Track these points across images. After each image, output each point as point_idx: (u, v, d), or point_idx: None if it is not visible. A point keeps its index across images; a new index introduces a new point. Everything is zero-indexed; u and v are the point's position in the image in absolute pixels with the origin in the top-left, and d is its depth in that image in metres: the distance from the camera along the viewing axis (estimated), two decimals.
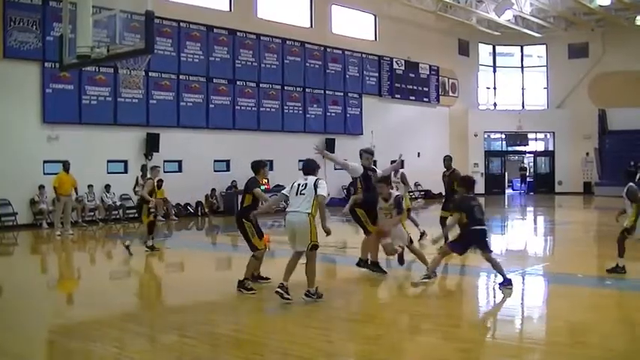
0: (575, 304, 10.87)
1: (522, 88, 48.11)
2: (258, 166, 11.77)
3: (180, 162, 28.89)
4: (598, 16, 41.55)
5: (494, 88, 47.79)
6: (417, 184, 37.68)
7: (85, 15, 12.63)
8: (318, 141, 13.50)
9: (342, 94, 35.95)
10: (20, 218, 24.09)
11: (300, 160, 33.41)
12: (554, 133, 46.20)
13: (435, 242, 12.38)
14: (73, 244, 20.74)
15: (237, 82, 30.91)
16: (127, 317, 10.36)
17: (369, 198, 12.77)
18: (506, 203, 40.44)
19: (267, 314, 10.34)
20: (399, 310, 10.16)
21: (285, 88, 33.06)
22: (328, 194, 10.48)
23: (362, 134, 36.59)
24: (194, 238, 23.46)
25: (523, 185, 49.35)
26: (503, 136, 47.09)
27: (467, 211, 11.36)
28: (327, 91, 35.09)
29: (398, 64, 39.35)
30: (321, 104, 34.79)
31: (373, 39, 38.54)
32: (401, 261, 13.16)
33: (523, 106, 47.51)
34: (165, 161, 28.06)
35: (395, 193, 12.34)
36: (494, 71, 47.93)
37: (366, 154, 13.56)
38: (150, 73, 26.33)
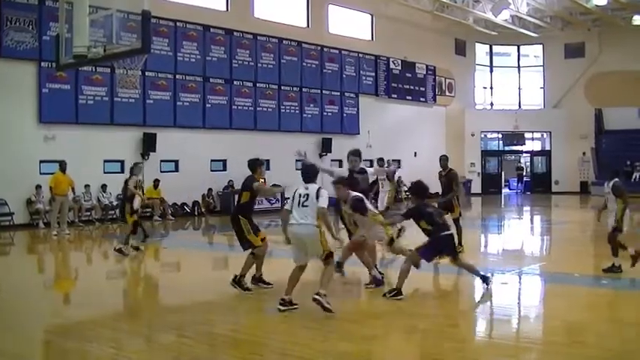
0: (572, 304, 10.88)
1: (519, 88, 48.10)
2: (255, 165, 11.73)
3: (176, 162, 28.87)
4: (594, 16, 41.57)
5: (491, 88, 47.81)
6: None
7: (82, 14, 12.63)
8: (301, 148, 12.88)
9: (338, 93, 35.93)
10: (17, 218, 24.05)
11: (297, 160, 33.62)
12: (550, 132, 46.23)
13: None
14: (70, 244, 20.73)
15: (234, 82, 30.90)
16: (124, 317, 10.37)
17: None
18: (502, 203, 40.49)
19: (265, 314, 10.33)
20: (397, 310, 10.15)
21: (282, 87, 33.04)
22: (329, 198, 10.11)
23: (359, 134, 36.59)
24: (191, 238, 23.45)
25: (520, 185, 49.38)
26: (500, 135, 47.11)
27: (426, 218, 10.99)
28: (323, 91, 35.08)
29: (395, 63, 39.35)
30: (317, 104, 34.78)
31: (370, 39, 38.54)
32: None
33: (520, 106, 47.52)
34: (161, 161, 28.08)
35: (353, 194, 11.93)
36: (491, 71, 47.95)
37: (352, 156, 13.31)
38: (146, 73, 26.27)
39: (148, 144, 27.25)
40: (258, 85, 31.86)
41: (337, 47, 35.81)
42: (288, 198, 10.24)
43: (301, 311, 10.01)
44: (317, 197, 9.84)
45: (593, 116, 44.22)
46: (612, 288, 12.05)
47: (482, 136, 46.75)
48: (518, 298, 11.90)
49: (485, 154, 46.68)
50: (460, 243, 16.04)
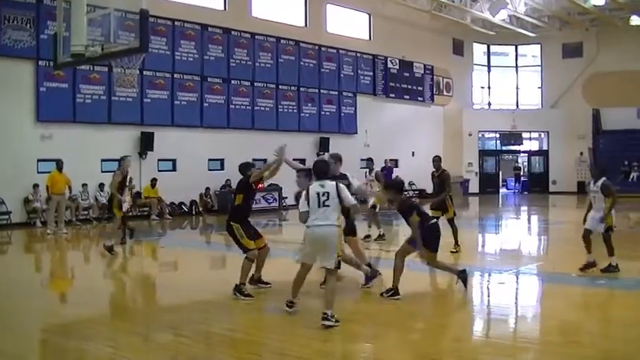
0: (569, 304, 10.90)
1: (517, 88, 48.11)
2: (246, 169, 11.65)
3: (174, 161, 28.87)
4: (592, 16, 41.58)
5: (489, 88, 47.80)
6: (411, 184, 37.66)
7: (80, 13, 12.63)
8: (280, 147, 12.49)
9: (336, 93, 35.93)
10: (14, 217, 24.05)
11: (295, 159, 33.51)
12: (548, 132, 46.23)
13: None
14: (68, 243, 20.72)
15: (232, 81, 30.89)
16: (122, 316, 10.37)
17: None
18: (500, 203, 40.52)
19: (262, 313, 10.34)
20: (394, 309, 10.16)
21: (280, 87, 33.04)
22: None
23: (356, 133, 36.60)
24: (188, 237, 23.44)
25: (517, 185, 49.36)
26: (498, 135, 47.10)
27: (416, 209, 11.03)
28: (321, 90, 35.07)
29: (392, 63, 39.35)
30: (315, 103, 34.77)
31: (368, 38, 38.53)
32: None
33: (517, 106, 47.52)
34: (159, 160, 28.08)
35: None
36: (489, 71, 47.95)
37: (330, 159, 12.45)
38: (144, 72, 26.22)
39: (146, 143, 27.24)
40: (255, 84, 31.85)
41: (335, 46, 35.81)
42: (302, 199, 9.57)
43: (299, 311, 10.01)
44: (338, 195, 9.36)
45: (590, 116, 44.22)
46: (609, 288, 12.06)
47: (480, 135, 46.76)
48: (516, 298, 11.92)
49: (483, 153, 46.70)
50: (457, 242, 16.06)
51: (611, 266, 12.75)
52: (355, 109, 36.95)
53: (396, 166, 33.36)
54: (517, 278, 13.35)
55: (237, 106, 30.90)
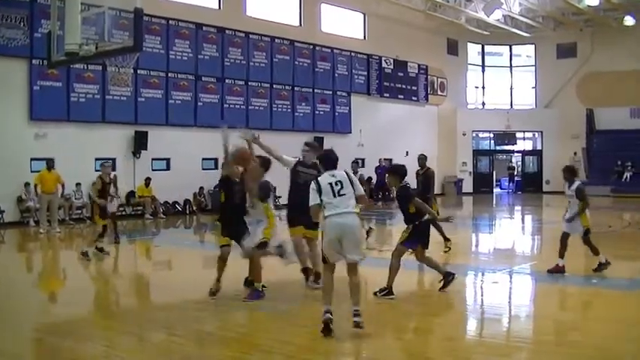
0: (563, 303, 10.93)
1: (511, 88, 48.17)
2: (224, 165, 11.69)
3: (168, 160, 28.84)
4: (586, 17, 41.66)
5: (483, 88, 47.89)
6: (405, 183, 37.65)
7: (74, 12, 12.60)
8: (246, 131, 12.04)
9: (330, 92, 35.92)
10: (7, 216, 23.99)
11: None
12: (542, 132, 46.32)
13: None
14: (61, 242, 20.70)
15: (226, 80, 30.86)
16: (116, 315, 10.37)
17: (291, 198, 11.95)
18: (494, 202, 40.57)
19: (255, 313, 10.32)
20: (387, 308, 10.16)
21: (274, 86, 33.02)
22: None
23: (350, 133, 36.61)
24: (182, 236, 23.43)
25: (511, 184, 49.42)
26: (492, 135, 47.20)
27: (413, 200, 11.01)
28: (315, 90, 35.06)
29: (387, 62, 39.36)
30: (309, 103, 34.76)
31: (362, 38, 38.53)
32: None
33: (511, 106, 47.59)
34: (153, 159, 28.04)
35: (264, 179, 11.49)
36: (483, 70, 48.02)
37: (304, 146, 12.28)
38: (138, 71, 26.19)
39: (140, 142, 27.20)
40: (250, 83, 31.84)
41: (329, 46, 35.81)
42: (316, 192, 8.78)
43: (290, 309, 10.02)
44: (351, 183, 8.83)
45: (584, 116, 44.32)
46: (602, 287, 12.09)
47: (474, 135, 46.84)
48: (509, 298, 11.93)
49: (477, 153, 46.78)
50: (446, 238, 16.04)
51: (601, 264, 12.78)
52: (349, 108, 36.95)
53: (389, 166, 33.31)
54: (511, 278, 13.36)
55: (231, 106, 30.86)
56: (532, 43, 46.69)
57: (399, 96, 40.23)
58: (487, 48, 47.79)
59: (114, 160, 26.41)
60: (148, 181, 27.19)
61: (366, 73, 38.11)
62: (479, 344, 8.69)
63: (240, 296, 10.82)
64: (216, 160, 30.11)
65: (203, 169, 29.90)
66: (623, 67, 41.51)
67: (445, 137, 43.89)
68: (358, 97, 37.49)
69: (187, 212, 29.10)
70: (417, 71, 41.64)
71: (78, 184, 25.25)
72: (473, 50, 47.35)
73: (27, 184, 23.89)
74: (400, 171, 11.34)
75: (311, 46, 34.79)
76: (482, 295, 12.06)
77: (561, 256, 12.83)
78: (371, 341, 8.53)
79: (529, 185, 46.34)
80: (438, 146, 42.98)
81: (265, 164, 11.58)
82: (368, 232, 18.17)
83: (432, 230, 12.22)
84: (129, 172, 27.11)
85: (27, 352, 8.66)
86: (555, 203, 37.06)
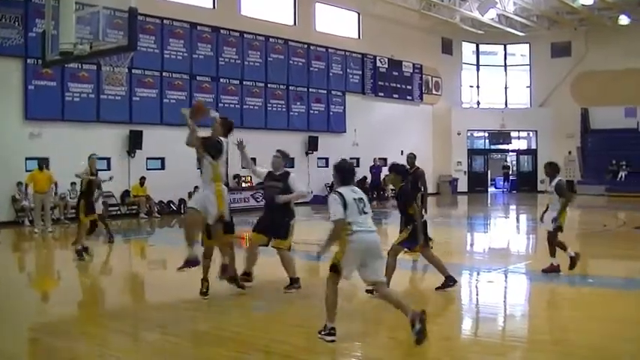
0: (558, 302, 10.93)
1: (505, 87, 48.22)
2: None
3: (163, 159, 28.82)
4: (581, 16, 41.70)
5: (478, 87, 47.90)
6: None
7: (68, 11, 12.57)
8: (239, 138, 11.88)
9: (325, 91, 35.92)
10: (2, 216, 23.97)
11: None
12: (536, 131, 46.36)
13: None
14: (55, 242, 20.66)
15: (221, 80, 30.87)
16: (110, 315, 10.34)
17: (264, 211, 12.01)
18: (489, 202, 40.59)
19: (250, 312, 10.32)
20: (383, 307, 10.13)
21: (269, 85, 33.02)
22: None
23: (345, 132, 36.64)
24: (176, 236, 23.33)
25: (506, 184, 49.44)
26: (486, 134, 47.26)
27: (412, 201, 10.96)
28: (310, 89, 35.06)
29: (381, 62, 39.37)
30: (304, 102, 34.77)
31: (357, 37, 38.53)
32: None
33: (506, 105, 47.62)
34: (148, 158, 28.04)
35: None
36: (478, 70, 48.02)
37: (277, 152, 12.19)
38: (133, 70, 26.20)
39: (134, 141, 27.20)
40: (244, 82, 31.84)
41: (324, 45, 35.81)
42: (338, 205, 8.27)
43: (287, 309, 10.02)
44: (368, 201, 8.63)
45: (579, 115, 44.38)
46: (598, 287, 12.10)
47: (469, 134, 46.87)
48: (504, 297, 11.93)
49: (472, 152, 46.81)
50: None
51: (552, 266, 12.78)
52: (344, 107, 36.95)
53: (385, 165, 33.36)
54: (506, 277, 13.37)
55: (225, 105, 30.82)
56: (526, 43, 46.72)
57: (394, 95, 40.25)
58: (482, 47, 47.83)
59: (108, 159, 26.41)
60: (142, 180, 27.17)
61: (360, 72, 38.12)
62: (474, 343, 8.70)
63: (236, 295, 10.83)
64: None
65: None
66: (618, 66, 41.54)
67: (440, 136, 43.94)
68: (353, 96, 37.49)
69: (182, 211, 29.03)
70: (411, 70, 41.66)
71: (73, 184, 25.13)
72: (467, 49, 47.35)
73: (19, 184, 23.86)
74: (402, 170, 11.24)
75: (306, 46, 34.80)
76: (477, 295, 12.06)
77: (553, 255, 12.83)
78: (366, 340, 8.53)
79: (524, 184, 46.35)
80: (433, 145, 43.03)
81: (227, 124, 11.46)
82: None
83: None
84: (124, 172, 27.11)
85: (22, 351, 8.64)
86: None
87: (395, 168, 11.29)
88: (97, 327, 9.47)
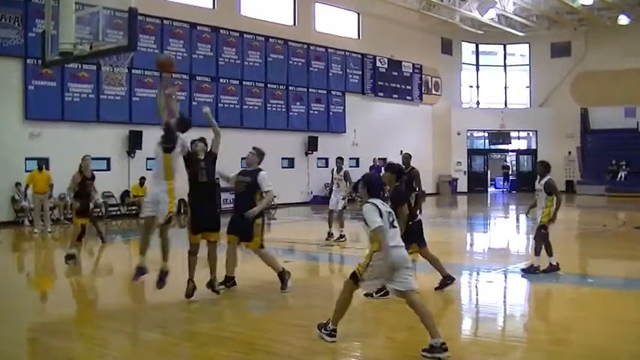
0: (557, 302, 10.93)
1: (505, 87, 48.26)
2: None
3: None
4: (580, 16, 41.73)
5: (477, 87, 47.94)
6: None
7: (68, 11, 12.56)
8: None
9: (325, 92, 35.93)
10: (1, 216, 23.97)
11: (284, 158, 33.66)
12: (536, 131, 46.37)
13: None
14: (55, 242, 20.65)
15: (220, 80, 30.87)
16: (109, 315, 10.32)
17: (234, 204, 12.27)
18: (488, 201, 40.60)
19: (249, 312, 10.32)
20: (382, 307, 10.15)
21: (269, 85, 33.03)
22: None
23: (345, 132, 36.64)
24: (175, 236, 23.34)
25: (505, 183, 49.44)
26: (486, 134, 47.28)
27: (407, 203, 10.82)
28: (310, 89, 35.07)
29: (381, 62, 39.38)
30: (304, 102, 34.77)
31: (356, 37, 38.53)
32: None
33: (506, 105, 47.66)
34: (148, 159, 27.95)
35: None
36: (477, 70, 48.04)
37: (252, 149, 12.47)
38: (133, 71, 26.15)
39: (134, 142, 27.18)
40: (244, 83, 31.84)
41: (324, 45, 35.82)
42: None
43: (286, 309, 10.02)
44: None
45: (578, 115, 44.38)
46: (598, 287, 12.10)
47: (469, 134, 46.89)
48: (504, 297, 11.93)
49: (472, 152, 46.83)
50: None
51: (533, 266, 12.79)
52: (344, 108, 36.96)
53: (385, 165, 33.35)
54: (505, 277, 13.36)
55: (225, 105, 30.86)
56: (526, 43, 46.75)
57: (394, 95, 40.27)
58: (481, 47, 47.85)
59: (108, 159, 26.42)
60: (142, 180, 27.13)
61: (360, 72, 38.13)
62: (474, 343, 8.70)
63: (235, 296, 10.83)
64: None
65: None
66: (618, 67, 41.55)
67: (440, 137, 43.96)
68: (352, 96, 37.50)
69: (181, 211, 28.99)
70: (411, 71, 41.68)
71: None
72: (467, 49, 47.39)
73: (18, 184, 23.87)
74: (397, 170, 11.17)
75: (305, 46, 34.81)
76: (477, 295, 12.06)
77: (550, 254, 12.84)
78: (366, 341, 8.53)
79: (523, 184, 46.23)
80: (433, 146, 43.07)
81: (183, 123, 11.85)
82: (341, 238, 17.96)
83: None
84: (123, 172, 27.13)
85: (22, 351, 8.63)
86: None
87: (391, 167, 11.27)
88: (96, 327, 9.47)
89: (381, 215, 7.91)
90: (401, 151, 14.47)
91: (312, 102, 35.17)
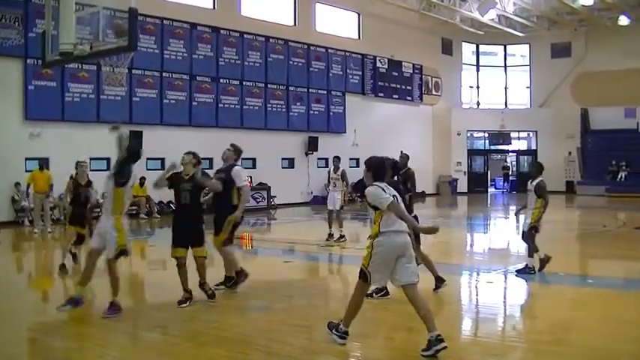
0: (557, 302, 10.92)
1: (505, 87, 48.26)
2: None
3: (163, 160, 28.73)
4: (581, 16, 41.71)
5: (478, 87, 47.93)
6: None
7: (68, 12, 12.56)
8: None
9: (325, 92, 35.93)
10: (1, 216, 23.96)
11: (284, 158, 33.68)
12: (536, 132, 46.38)
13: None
14: (55, 242, 20.64)
15: (221, 80, 30.87)
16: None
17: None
18: (488, 202, 40.59)
19: (249, 312, 10.32)
20: (382, 308, 10.16)
21: (269, 86, 33.02)
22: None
23: (345, 132, 36.65)
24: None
25: (506, 184, 49.41)
26: (486, 134, 47.28)
27: (403, 199, 10.65)
28: (310, 90, 35.07)
29: (381, 62, 39.38)
30: (304, 102, 34.76)
31: (357, 37, 38.53)
32: None
33: (506, 105, 47.67)
34: (148, 159, 27.95)
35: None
36: (478, 70, 48.04)
37: (230, 146, 12.44)
38: (133, 71, 26.18)
39: (134, 142, 27.16)
40: (244, 83, 31.83)
41: (324, 46, 35.82)
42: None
43: (286, 309, 10.01)
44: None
45: (579, 116, 44.36)
46: (598, 287, 12.10)
47: (469, 135, 46.88)
48: (504, 297, 11.93)
49: (472, 153, 46.82)
50: None
51: (527, 267, 12.82)
52: (344, 108, 36.97)
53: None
54: (505, 277, 13.36)
55: (225, 105, 30.87)
56: (526, 43, 46.74)
57: (394, 96, 40.27)
58: (481, 47, 47.84)
59: (108, 159, 26.38)
60: (142, 180, 27.13)
61: (360, 72, 38.13)
62: (474, 344, 8.70)
63: (235, 296, 10.83)
64: (211, 159, 30.09)
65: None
66: (618, 67, 41.56)
67: (440, 137, 43.97)
68: (353, 96, 37.50)
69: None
70: (411, 71, 41.68)
71: None
72: (467, 50, 47.39)
73: (17, 184, 23.87)
74: (393, 166, 11.04)
75: (305, 46, 34.81)
76: (477, 295, 12.06)
77: (536, 251, 13.02)
78: (365, 340, 8.53)
79: (524, 185, 45.17)
80: (433, 146, 43.09)
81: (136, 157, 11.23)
82: (341, 239, 17.94)
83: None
84: None
85: (22, 351, 8.63)
86: (550, 203, 37.20)
87: (392, 164, 11.24)
88: (96, 327, 9.46)
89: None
90: (401, 152, 14.41)
91: (312, 102, 35.17)
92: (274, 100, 33.27)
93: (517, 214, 13.61)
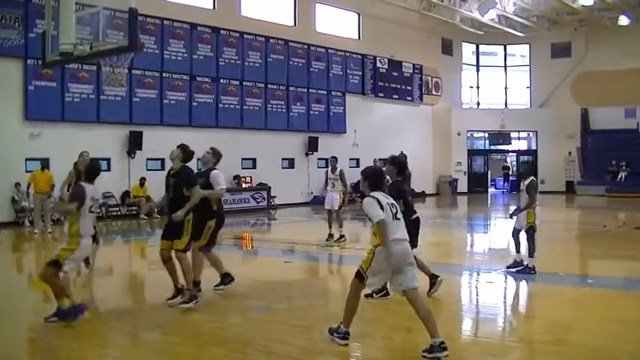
0: (557, 302, 10.92)
1: (505, 87, 48.26)
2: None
3: (162, 160, 28.71)
4: (581, 16, 41.72)
5: (478, 87, 47.93)
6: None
7: (68, 12, 12.58)
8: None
9: (325, 92, 35.92)
10: (1, 216, 23.96)
11: (284, 159, 33.67)
12: (536, 132, 46.37)
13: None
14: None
15: (221, 80, 30.86)
16: (110, 315, 10.33)
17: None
18: (488, 202, 40.57)
19: (250, 312, 10.32)
20: (381, 308, 10.16)
21: (269, 86, 33.02)
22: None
23: (345, 133, 36.64)
24: None
25: (506, 184, 49.37)
26: (486, 134, 47.28)
27: (404, 198, 10.45)
28: (310, 90, 35.06)
29: (381, 62, 39.38)
30: (304, 102, 34.76)
31: (357, 37, 38.52)
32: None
33: (506, 105, 47.67)
34: (148, 159, 28.02)
35: None
36: (478, 70, 48.04)
37: (209, 149, 12.40)
38: (133, 71, 26.18)
39: (134, 142, 27.19)
40: (244, 83, 31.83)
41: (324, 46, 35.81)
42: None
43: (286, 309, 10.01)
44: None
45: (579, 116, 44.36)
46: (597, 287, 12.11)
47: (469, 135, 46.87)
48: (504, 297, 11.94)
49: (472, 153, 46.82)
50: None
51: (528, 267, 12.83)
52: (344, 108, 36.96)
53: (384, 166, 33.33)
54: (505, 277, 13.35)
55: (225, 105, 30.87)
56: (526, 43, 46.74)
57: (394, 96, 40.27)
58: (481, 48, 47.84)
59: (108, 160, 26.41)
60: (142, 180, 27.18)
61: (360, 72, 38.13)
62: (474, 343, 8.70)
63: (235, 296, 10.83)
64: None
65: (198, 168, 29.79)
66: (618, 67, 41.57)
67: (440, 137, 43.97)
68: (353, 96, 37.50)
69: None
70: (411, 71, 41.68)
71: (70, 185, 25.16)
72: (467, 50, 47.39)
73: (17, 185, 23.86)
74: (398, 162, 11.29)
75: (305, 46, 34.80)
76: (477, 295, 12.05)
77: (517, 251, 13.18)
78: (365, 341, 8.53)
79: None
80: (433, 146, 43.10)
81: (93, 167, 10.52)
82: (341, 239, 17.92)
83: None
84: (124, 172, 27.16)
85: (22, 351, 8.65)
86: (550, 203, 37.21)
87: (393, 160, 11.34)
88: (96, 327, 9.46)
89: (382, 208, 7.80)
90: (401, 152, 14.43)
91: (312, 102, 35.16)
92: (274, 101, 33.26)
93: (512, 215, 13.58)
